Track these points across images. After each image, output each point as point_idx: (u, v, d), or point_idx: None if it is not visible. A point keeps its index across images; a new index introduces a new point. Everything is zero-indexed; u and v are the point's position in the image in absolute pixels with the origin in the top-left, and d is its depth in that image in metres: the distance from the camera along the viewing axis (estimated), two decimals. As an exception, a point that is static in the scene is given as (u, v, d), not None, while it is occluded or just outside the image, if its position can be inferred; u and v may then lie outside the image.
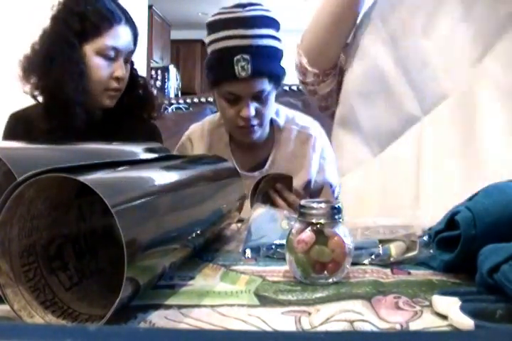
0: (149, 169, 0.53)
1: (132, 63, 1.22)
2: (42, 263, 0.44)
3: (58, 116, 1.06)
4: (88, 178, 0.39)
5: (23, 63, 1.11)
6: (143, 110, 1.22)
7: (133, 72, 1.21)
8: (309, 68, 0.98)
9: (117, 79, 1.11)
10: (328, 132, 1.34)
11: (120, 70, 1.10)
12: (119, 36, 1.10)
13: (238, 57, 1.07)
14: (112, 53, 1.09)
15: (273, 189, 1.11)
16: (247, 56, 1.07)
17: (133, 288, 0.40)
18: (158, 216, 0.45)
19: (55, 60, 1.05)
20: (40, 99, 1.11)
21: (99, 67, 1.08)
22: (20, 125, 1.14)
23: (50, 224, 0.45)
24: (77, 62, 1.06)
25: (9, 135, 1.14)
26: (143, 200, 0.44)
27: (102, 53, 1.08)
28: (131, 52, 1.15)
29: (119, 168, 0.47)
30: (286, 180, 1.12)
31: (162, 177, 0.52)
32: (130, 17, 1.14)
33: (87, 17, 1.06)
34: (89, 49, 1.08)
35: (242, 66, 1.07)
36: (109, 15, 1.08)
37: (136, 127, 1.18)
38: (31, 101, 1.16)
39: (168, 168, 0.58)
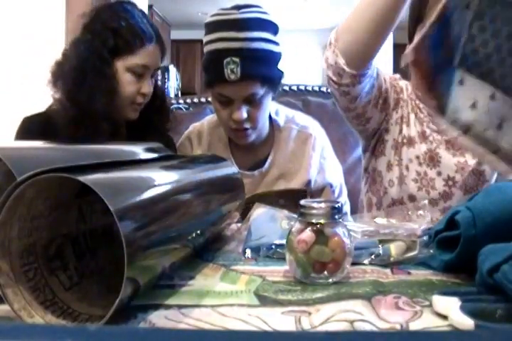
0: (149, 169, 0.53)
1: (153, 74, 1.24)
2: (42, 263, 0.44)
3: (85, 128, 1.08)
4: (88, 178, 0.39)
5: (54, 69, 1.12)
6: (159, 121, 1.24)
7: (155, 84, 1.23)
8: (347, 69, 0.95)
9: (143, 94, 1.14)
10: (328, 132, 1.35)
11: (147, 87, 1.13)
12: (150, 55, 1.12)
13: (228, 59, 1.07)
14: (141, 71, 1.11)
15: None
16: (236, 59, 1.07)
17: (133, 288, 0.40)
18: (158, 216, 0.45)
19: (87, 74, 1.07)
20: (68, 106, 1.12)
21: (128, 83, 1.11)
22: (39, 129, 1.14)
23: (50, 224, 0.45)
24: (109, 78, 1.08)
25: (23, 138, 1.14)
26: (143, 200, 0.44)
27: (131, 70, 1.10)
28: (159, 68, 1.18)
29: (119, 168, 0.47)
30: (290, 193, 1.10)
31: (162, 177, 0.52)
32: (159, 33, 1.16)
33: (121, 34, 1.08)
34: (120, 65, 1.10)
35: (231, 69, 1.07)
36: (141, 34, 1.10)
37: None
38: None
39: (167, 168, 0.58)
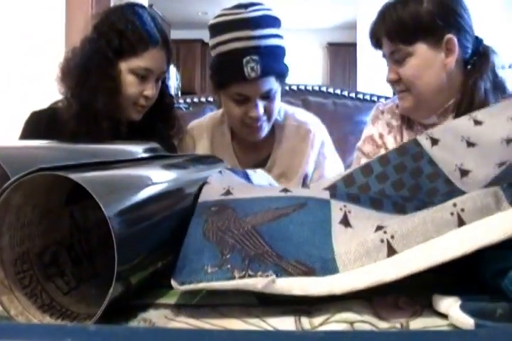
0: (143, 168, 0.53)
1: (164, 80, 1.25)
2: (37, 271, 0.43)
3: (87, 125, 1.10)
4: (79, 176, 0.38)
5: (62, 65, 1.15)
6: (163, 128, 1.26)
7: (164, 90, 1.25)
8: None
9: (146, 97, 1.15)
10: (328, 131, 1.35)
11: (150, 90, 1.14)
12: (154, 58, 1.13)
13: (247, 58, 1.07)
14: (144, 73, 1.12)
15: None
16: (255, 57, 1.08)
17: (124, 287, 0.40)
18: (151, 214, 0.45)
19: (91, 73, 1.09)
20: (72, 102, 1.14)
21: (131, 85, 1.12)
22: (45, 123, 1.16)
23: (42, 231, 0.44)
24: (112, 78, 1.10)
25: (31, 132, 1.15)
26: (135, 199, 0.43)
27: (135, 72, 1.12)
28: (164, 72, 1.19)
29: (110, 167, 0.47)
30: None
31: (156, 176, 0.52)
32: (166, 38, 1.17)
33: (126, 36, 1.10)
34: (124, 66, 1.12)
35: (251, 67, 1.07)
36: (146, 37, 1.11)
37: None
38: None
39: (162, 168, 0.57)
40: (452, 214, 0.42)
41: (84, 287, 0.47)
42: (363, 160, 1.14)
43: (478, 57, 1.05)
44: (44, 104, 1.26)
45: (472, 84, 1.02)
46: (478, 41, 1.07)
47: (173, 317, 0.42)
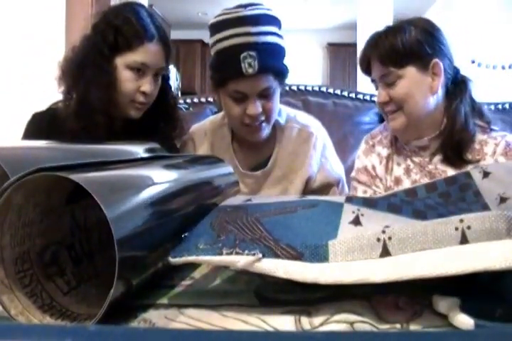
0: (142, 168, 0.53)
1: (167, 79, 1.24)
2: (37, 270, 0.43)
3: (84, 120, 1.10)
4: (80, 176, 0.38)
5: (62, 64, 1.15)
6: (165, 128, 1.25)
7: (167, 90, 1.24)
8: None
9: (144, 93, 1.14)
10: (328, 132, 1.35)
11: (148, 86, 1.13)
12: (150, 53, 1.13)
13: (245, 54, 1.07)
14: (140, 68, 1.12)
15: None
16: (253, 53, 1.07)
17: (125, 287, 0.40)
18: (152, 214, 0.45)
19: (86, 69, 1.10)
20: (69, 99, 1.15)
21: (127, 80, 1.12)
22: (47, 123, 1.16)
23: (43, 231, 0.44)
24: (106, 73, 1.10)
25: (34, 132, 1.16)
26: (135, 199, 0.43)
27: (131, 67, 1.12)
28: (162, 68, 1.18)
29: (110, 167, 0.47)
30: None
31: (156, 176, 0.52)
32: (164, 34, 1.17)
33: (121, 31, 1.10)
34: (119, 61, 1.12)
35: (249, 63, 1.07)
36: (141, 32, 1.11)
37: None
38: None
39: (161, 168, 0.57)
40: (457, 229, 0.41)
41: (84, 287, 0.47)
42: (360, 188, 1.23)
43: (457, 84, 1.16)
44: (44, 104, 1.26)
45: (454, 109, 1.13)
46: (456, 70, 1.18)
47: (173, 317, 0.42)
